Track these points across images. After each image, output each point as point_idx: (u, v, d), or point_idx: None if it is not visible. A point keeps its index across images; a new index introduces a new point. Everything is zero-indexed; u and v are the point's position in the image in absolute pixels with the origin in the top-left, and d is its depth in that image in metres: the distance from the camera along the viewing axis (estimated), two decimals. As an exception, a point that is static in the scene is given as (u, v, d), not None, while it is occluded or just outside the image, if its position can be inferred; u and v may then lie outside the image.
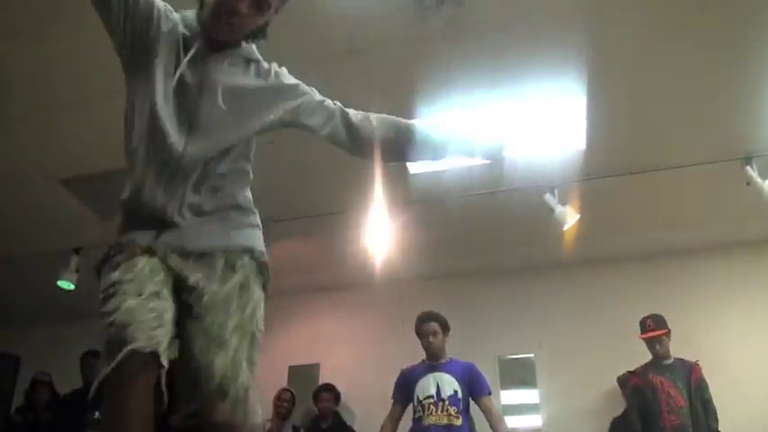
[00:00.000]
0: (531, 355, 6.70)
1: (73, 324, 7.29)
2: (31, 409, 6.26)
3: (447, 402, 4.65)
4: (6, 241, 6.34)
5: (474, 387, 4.76)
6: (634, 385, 5.45)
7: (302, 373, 7.01)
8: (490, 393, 4.81)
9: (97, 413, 5.41)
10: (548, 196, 5.37)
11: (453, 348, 5.43)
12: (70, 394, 5.89)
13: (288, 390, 6.36)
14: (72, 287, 6.36)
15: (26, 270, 6.73)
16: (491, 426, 4.71)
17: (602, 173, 5.31)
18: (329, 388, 6.41)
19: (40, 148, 5.14)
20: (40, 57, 4.28)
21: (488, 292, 6.84)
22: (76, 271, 6.30)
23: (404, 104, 4.52)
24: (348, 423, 6.45)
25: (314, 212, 5.80)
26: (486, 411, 4.72)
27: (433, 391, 4.70)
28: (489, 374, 6.43)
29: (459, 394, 4.69)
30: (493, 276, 6.85)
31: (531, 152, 5.18)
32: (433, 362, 4.85)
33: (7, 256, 6.45)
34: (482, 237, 6.27)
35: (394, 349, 5.27)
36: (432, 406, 4.66)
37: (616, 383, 5.88)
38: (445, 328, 4.94)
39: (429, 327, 4.88)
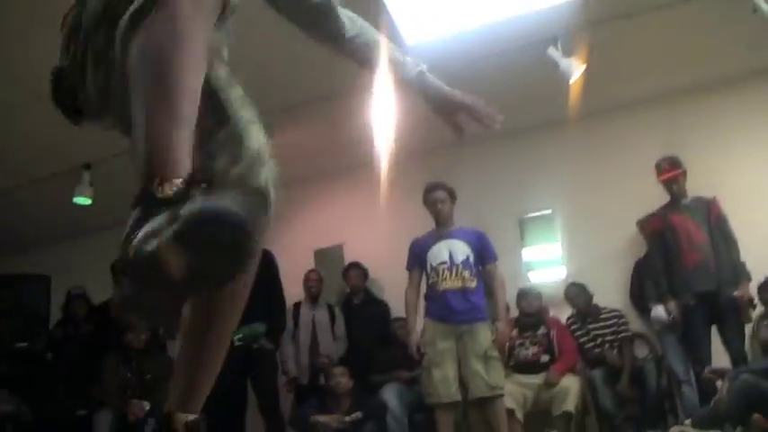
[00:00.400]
0: (550, 210, 6.74)
1: (95, 237, 7.40)
2: (71, 323, 6.46)
3: (461, 267, 4.79)
4: (17, 168, 6.34)
5: (483, 254, 4.89)
6: (654, 227, 5.50)
7: (327, 256, 7.13)
8: (496, 260, 4.94)
9: (137, 316, 5.58)
10: (551, 50, 5.21)
11: (473, 214, 5.51)
12: (106, 302, 6.04)
13: (314, 270, 6.56)
14: (89, 202, 6.40)
15: (41, 193, 6.75)
16: (492, 289, 4.88)
17: (606, 16, 5.11)
18: (357, 265, 6.55)
19: (27, 68, 5.06)
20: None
21: (502, 155, 6.79)
22: (90, 185, 6.33)
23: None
24: (378, 296, 6.62)
25: (321, 95, 5.73)
26: (491, 277, 4.89)
27: (446, 257, 4.83)
28: (511, 235, 6.56)
29: (471, 259, 4.84)
30: (505, 139, 6.76)
31: (529, 5, 4.98)
32: (443, 230, 4.95)
33: (20, 182, 6.47)
34: (489, 101, 6.17)
35: (414, 222, 5.31)
36: (446, 271, 4.80)
37: (637, 228, 5.94)
38: (452, 195, 5.04)
39: (436, 195, 4.99)
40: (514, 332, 5.53)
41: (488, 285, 4.93)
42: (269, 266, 5.21)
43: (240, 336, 4.94)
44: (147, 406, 5.25)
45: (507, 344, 5.41)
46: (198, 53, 1.15)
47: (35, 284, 6.97)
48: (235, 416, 5.16)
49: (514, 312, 5.88)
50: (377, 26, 1.97)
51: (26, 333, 6.51)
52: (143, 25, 1.13)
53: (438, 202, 5.00)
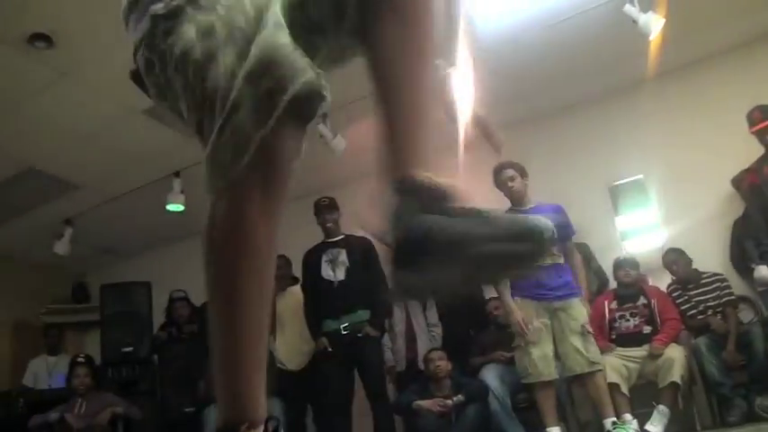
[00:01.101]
0: (641, 176, 6.54)
1: (190, 242, 7.60)
2: (174, 325, 6.69)
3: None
4: (111, 180, 6.61)
5: (564, 229, 4.84)
6: (750, 183, 5.29)
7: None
8: (574, 234, 4.91)
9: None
10: (627, 6, 5.03)
11: (561, 186, 5.39)
12: (207, 303, 6.21)
13: None
14: (181, 208, 6.61)
15: (136, 202, 7.03)
16: (575, 269, 4.85)
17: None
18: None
19: (119, 83, 5.24)
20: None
21: (585, 123, 6.65)
22: (181, 192, 6.53)
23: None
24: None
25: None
26: (571, 253, 4.86)
27: (534, 234, 4.76)
28: (602, 203, 6.41)
29: (555, 234, 4.73)
30: (586, 106, 6.64)
31: None
32: (521, 207, 4.90)
33: (115, 193, 6.75)
34: (567, 68, 6.04)
35: (497, 199, 5.25)
36: None
37: (731, 186, 5.72)
38: (522, 172, 4.99)
39: (505, 174, 4.96)
40: (614, 304, 5.41)
41: (568, 262, 4.89)
42: (368, 252, 5.23)
43: (346, 325, 5.00)
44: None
45: (607, 317, 5.33)
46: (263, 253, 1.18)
47: (137, 291, 7.24)
48: (342, 404, 5.22)
49: (612, 284, 5.76)
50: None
51: (132, 338, 6.79)
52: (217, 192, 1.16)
53: (508, 181, 4.95)
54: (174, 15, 1.25)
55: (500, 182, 4.99)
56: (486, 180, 4.98)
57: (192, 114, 1.25)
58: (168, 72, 1.27)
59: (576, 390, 5.13)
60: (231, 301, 1.23)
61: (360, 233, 5.52)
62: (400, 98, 1.27)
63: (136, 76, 1.41)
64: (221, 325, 1.25)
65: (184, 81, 1.23)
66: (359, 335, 5.17)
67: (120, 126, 5.80)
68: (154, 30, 1.28)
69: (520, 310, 4.73)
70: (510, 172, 4.96)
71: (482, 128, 1.85)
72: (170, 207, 6.64)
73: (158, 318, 7.05)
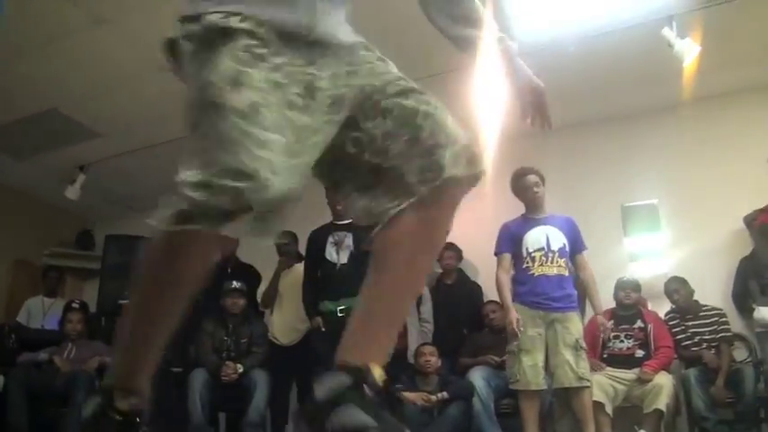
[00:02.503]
0: (655, 200, 6.53)
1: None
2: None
3: (557, 254, 4.75)
4: (132, 133, 6.64)
5: (575, 242, 4.85)
6: (762, 223, 5.28)
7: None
8: (585, 249, 4.88)
9: (234, 282, 5.77)
10: (665, 30, 5.02)
11: (575, 199, 5.40)
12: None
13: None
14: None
15: (152, 159, 7.02)
16: (586, 283, 4.84)
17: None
18: (451, 246, 6.51)
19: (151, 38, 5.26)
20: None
21: (607, 139, 6.64)
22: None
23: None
24: (472, 278, 6.59)
25: (416, 77, 5.72)
26: (582, 268, 4.84)
27: (543, 244, 4.81)
28: (613, 222, 6.39)
29: (567, 247, 4.79)
30: (610, 123, 6.63)
31: None
32: (537, 215, 4.91)
33: (134, 146, 6.80)
34: (597, 83, 6.02)
35: (510, 205, 5.25)
36: (542, 257, 4.77)
37: (743, 223, 5.70)
38: (543, 179, 4.98)
39: (530, 179, 4.96)
40: (610, 324, 5.43)
41: (580, 276, 4.89)
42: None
43: (343, 307, 5.02)
44: (240, 368, 5.44)
45: (602, 336, 5.34)
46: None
47: (141, 245, 7.24)
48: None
49: (611, 303, 5.76)
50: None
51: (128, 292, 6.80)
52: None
53: (533, 186, 4.95)
54: (224, 34, 1.32)
55: (522, 186, 4.98)
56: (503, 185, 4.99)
57: (189, 127, 1.36)
58: (192, 71, 1.35)
59: (557, 403, 5.15)
60: (150, 306, 1.45)
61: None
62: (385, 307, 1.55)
63: (172, 46, 1.44)
64: (138, 311, 1.46)
65: (197, 98, 1.32)
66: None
67: (148, 80, 5.77)
68: (203, 37, 1.35)
69: (520, 317, 4.75)
70: (534, 178, 4.96)
71: (537, 99, 1.95)
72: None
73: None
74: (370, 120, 1.47)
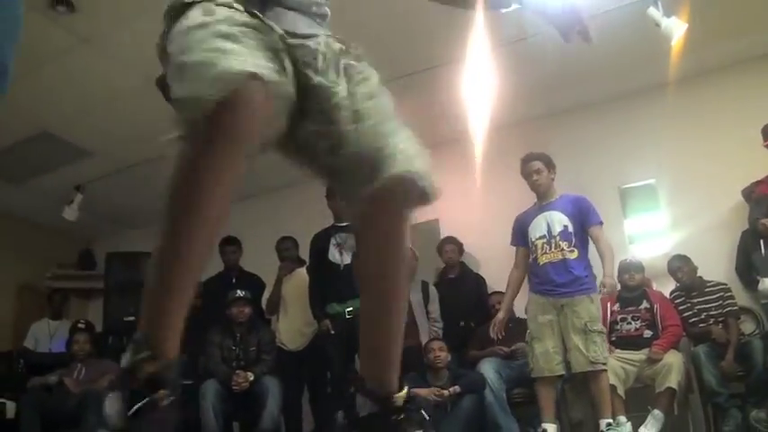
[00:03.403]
0: (652, 180, 6.54)
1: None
2: (178, 297, 6.70)
3: (558, 238, 4.74)
4: (125, 149, 6.64)
5: (584, 219, 4.80)
6: (760, 193, 5.28)
7: (423, 230, 7.13)
8: (601, 224, 4.85)
9: (239, 291, 5.77)
10: (651, 9, 5.00)
11: (572, 184, 5.39)
12: (211, 278, 6.25)
13: (409, 248, 6.45)
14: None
15: (147, 174, 7.02)
16: (600, 254, 4.77)
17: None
18: (452, 240, 6.53)
19: (136, 54, 5.25)
20: None
21: (600, 123, 6.64)
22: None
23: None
24: (474, 270, 6.59)
25: (409, 70, 5.73)
26: (595, 241, 4.79)
27: (544, 231, 4.80)
28: (612, 205, 6.39)
29: (570, 228, 4.75)
30: (603, 106, 6.63)
31: None
32: (543, 201, 4.90)
33: (128, 163, 6.79)
34: (586, 67, 6.01)
35: (512, 195, 5.26)
36: (545, 245, 4.77)
37: (742, 197, 5.70)
38: (549, 165, 4.94)
39: (531, 166, 4.93)
40: (616, 306, 5.42)
41: (597, 250, 4.84)
42: None
43: (350, 309, 5.02)
44: (251, 376, 5.44)
45: (609, 318, 5.33)
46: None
47: (143, 261, 7.20)
48: (341, 386, 5.23)
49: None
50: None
51: (135, 308, 6.80)
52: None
53: (533, 173, 4.93)
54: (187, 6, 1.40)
55: (525, 173, 4.98)
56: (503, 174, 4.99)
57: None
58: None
59: (569, 389, 5.15)
60: (188, 222, 1.31)
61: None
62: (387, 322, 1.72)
63: (160, 50, 1.49)
64: (170, 246, 1.34)
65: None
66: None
67: (138, 96, 5.76)
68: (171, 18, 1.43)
69: (530, 305, 4.76)
70: (536, 164, 4.93)
71: (578, 21, 2.00)
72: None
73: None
74: (326, 118, 1.53)
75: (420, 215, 6.55)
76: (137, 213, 8.20)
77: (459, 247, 6.50)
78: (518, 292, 5.12)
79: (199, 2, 1.37)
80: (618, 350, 5.29)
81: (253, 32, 1.35)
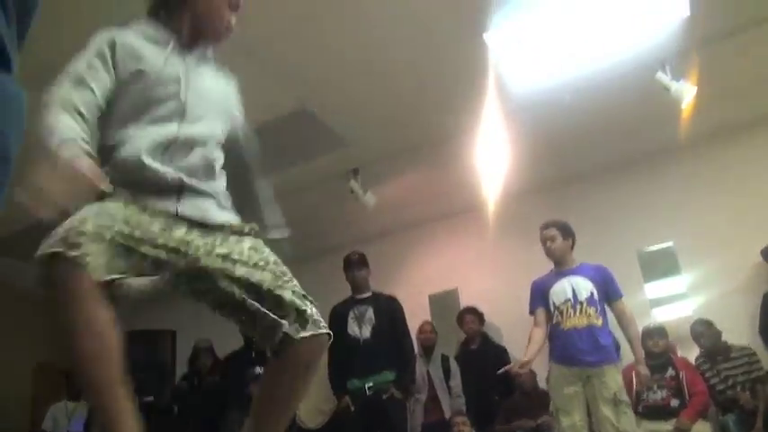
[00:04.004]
0: (671, 243, 6.49)
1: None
2: (196, 375, 6.65)
3: (585, 304, 4.62)
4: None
5: (608, 290, 4.71)
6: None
7: (442, 300, 7.10)
8: (622, 296, 4.74)
9: (258, 368, 5.71)
10: (659, 74, 5.06)
11: (590, 250, 5.35)
12: (231, 355, 6.19)
13: (428, 322, 6.41)
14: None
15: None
16: (623, 329, 4.68)
17: (715, 36, 4.93)
18: (472, 310, 6.46)
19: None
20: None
21: (616, 187, 6.65)
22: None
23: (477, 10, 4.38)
24: (496, 341, 6.50)
25: (421, 142, 5.79)
26: (620, 314, 4.69)
27: (569, 295, 4.68)
28: (631, 269, 6.34)
29: (596, 295, 4.65)
30: (618, 171, 6.64)
31: (634, 31, 4.86)
32: (562, 268, 4.82)
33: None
34: (599, 131, 6.05)
35: (530, 262, 5.21)
36: (570, 309, 4.65)
37: (761, 257, 5.65)
38: (565, 232, 4.87)
39: (546, 233, 4.87)
40: (645, 373, 5.32)
41: (619, 324, 4.75)
42: (395, 313, 5.23)
43: (370, 384, 4.94)
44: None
45: (635, 387, 5.21)
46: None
47: (162, 339, 7.24)
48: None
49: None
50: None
51: (153, 387, 6.76)
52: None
53: (548, 240, 4.89)
54: None
55: (541, 240, 4.94)
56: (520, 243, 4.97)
57: None
58: None
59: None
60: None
61: (387, 292, 5.49)
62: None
63: None
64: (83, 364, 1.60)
65: None
66: (384, 396, 5.09)
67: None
68: None
69: (553, 375, 4.66)
70: (551, 231, 4.87)
71: None
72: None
73: (182, 366, 7.03)
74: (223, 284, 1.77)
75: (439, 284, 6.58)
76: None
77: (479, 317, 6.43)
78: (541, 349, 5.01)
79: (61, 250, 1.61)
80: (645, 421, 5.16)
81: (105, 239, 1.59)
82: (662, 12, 4.77)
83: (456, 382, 5.99)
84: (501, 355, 6.25)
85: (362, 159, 6.00)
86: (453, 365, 6.10)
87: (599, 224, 6.41)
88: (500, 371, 4.81)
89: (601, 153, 6.49)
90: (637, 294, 6.29)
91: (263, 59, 4.57)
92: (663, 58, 5.08)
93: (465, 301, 6.76)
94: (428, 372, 6.01)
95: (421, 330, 6.26)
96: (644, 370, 4.64)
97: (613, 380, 4.48)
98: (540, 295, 4.86)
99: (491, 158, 6.01)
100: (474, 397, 5.94)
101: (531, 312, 4.88)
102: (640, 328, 5.48)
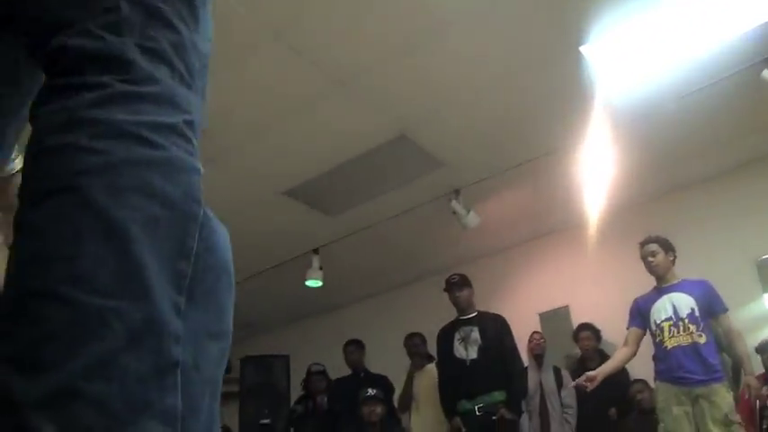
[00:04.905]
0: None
1: (328, 316, 7.84)
2: (311, 398, 6.79)
3: (686, 321, 4.49)
4: (253, 257, 6.90)
5: (710, 304, 4.54)
6: None
7: (553, 318, 6.98)
8: (727, 311, 4.56)
9: (370, 390, 5.78)
10: (765, 72, 4.76)
11: (703, 261, 5.18)
12: (343, 378, 6.29)
13: (537, 332, 6.38)
14: (320, 284, 6.88)
15: (276, 278, 7.30)
16: (731, 344, 4.53)
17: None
18: (588, 327, 6.30)
19: (262, 167, 5.50)
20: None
21: (726, 195, 6.36)
22: (320, 269, 6.77)
23: (572, 23, 4.34)
24: (613, 359, 6.32)
25: (525, 159, 5.75)
26: (726, 329, 4.55)
27: (670, 313, 4.57)
28: (749, 279, 6.07)
29: (697, 312, 4.50)
30: (733, 175, 6.36)
31: (734, 29, 4.59)
32: (663, 284, 4.70)
33: (257, 269, 7.04)
34: (704, 138, 5.84)
35: (639, 277, 5.08)
36: (672, 327, 4.53)
37: None
38: (666, 247, 4.76)
39: (647, 249, 4.78)
40: (764, 390, 5.06)
41: (724, 338, 4.59)
42: (501, 330, 5.22)
43: (480, 405, 4.92)
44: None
45: (758, 403, 4.97)
46: None
47: (277, 363, 7.42)
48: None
49: (758, 368, 5.39)
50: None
51: (270, 410, 6.93)
52: None
53: (648, 256, 4.76)
54: None
55: (642, 256, 4.83)
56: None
57: None
58: None
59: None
60: None
61: (492, 310, 5.47)
62: None
63: None
64: None
65: None
66: (494, 417, 5.05)
67: (262, 207, 6.07)
68: None
69: (660, 396, 4.52)
70: (652, 247, 4.77)
71: None
72: (309, 283, 6.93)
73: (296, 390, 7.19)
74: None
75: (548, 302, 6.52)
76: (267, 317, 8.46)
77: (596, 334, 6.27)
78: (619, 368, 4.91)
79: None
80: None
81: None
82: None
83: (568, 391, 5.88)
84: (620, 372, 6.07)
85: (463, 180, 6.00)
86: (565, 375, 6.02)
87: (712, 234, 6.17)
88: (572, 384, 4.74)
89: (708, 160, 6.20)
90: (755, 305, 6.01)
91: (361, 89, 4.67)
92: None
93: (577, 318, 6.62)
94: (540, 382, 5.95)
95: (531, 340, 6.24)
96: (752, 381, 4.44)
97: (723, 400, 4.30)
98: (637, 314, 4.78)
99: (594, 172, 5.90)
100: (591, 416, 5.78)
101: (627, 329, 4.79)
102: (759, 341, 5.26)
